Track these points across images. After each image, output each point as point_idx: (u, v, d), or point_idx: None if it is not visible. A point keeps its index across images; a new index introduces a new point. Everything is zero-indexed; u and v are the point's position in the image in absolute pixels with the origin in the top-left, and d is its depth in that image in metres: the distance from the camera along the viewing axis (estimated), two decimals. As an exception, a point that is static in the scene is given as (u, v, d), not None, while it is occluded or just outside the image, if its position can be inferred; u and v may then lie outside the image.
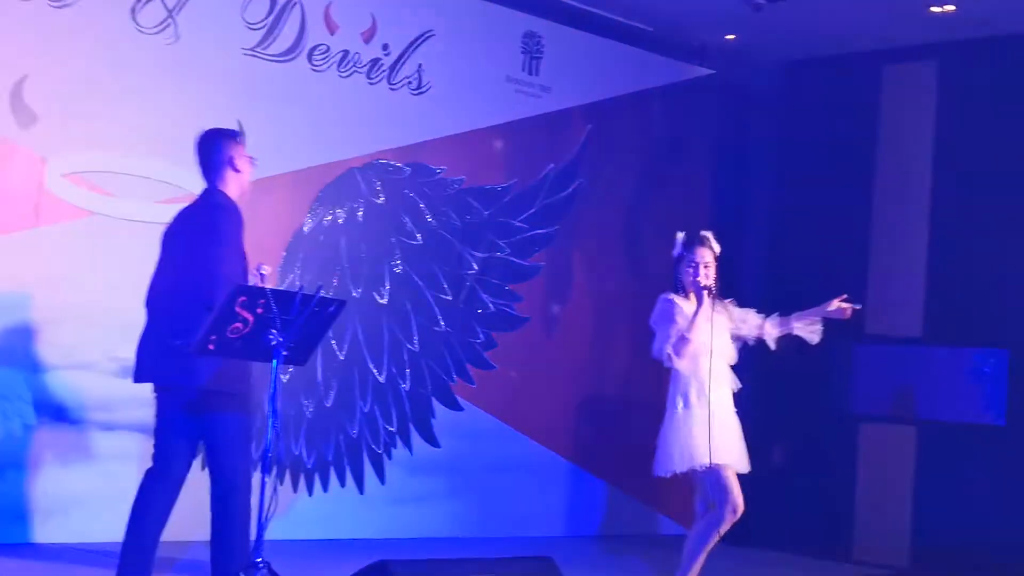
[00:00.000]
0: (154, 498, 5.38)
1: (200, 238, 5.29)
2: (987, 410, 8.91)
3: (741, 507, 6.13)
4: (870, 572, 8.86)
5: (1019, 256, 8.84)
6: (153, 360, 5.35)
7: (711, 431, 6.03)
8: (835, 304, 6.40)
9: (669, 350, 6.13)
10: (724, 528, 6.15)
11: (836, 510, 9.43)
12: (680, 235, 6.29)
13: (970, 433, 8.93)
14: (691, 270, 6.19)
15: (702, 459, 6.05)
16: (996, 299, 8.90)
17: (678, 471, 6.17)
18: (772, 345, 6.43)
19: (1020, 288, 8.82)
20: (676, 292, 6.27)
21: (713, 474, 6.08)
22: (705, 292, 6.12)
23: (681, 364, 6.13)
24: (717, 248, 6.28)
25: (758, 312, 6.46)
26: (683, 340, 6.09)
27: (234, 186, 5.49)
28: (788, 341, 6.48)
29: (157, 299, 5.46)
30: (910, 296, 9.31)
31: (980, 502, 8.78)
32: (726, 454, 6.09)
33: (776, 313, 6.46)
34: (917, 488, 9.16)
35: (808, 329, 6.45)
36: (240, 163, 5.48)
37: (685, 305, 6.18)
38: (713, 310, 6.18)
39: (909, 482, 9.19)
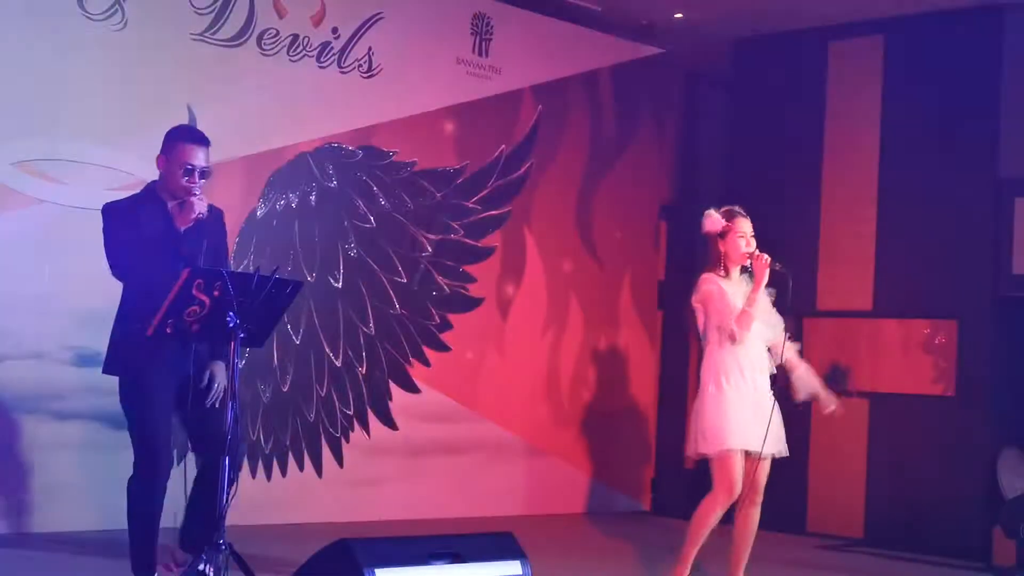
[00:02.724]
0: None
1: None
2: (937, 381, 9.03)
3: (736, 490, 6.05)
4: (825, 544, 8.97)
5: (966, 228, 8.95)
6: None
7: (729, 417, 5.97)
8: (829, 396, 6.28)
9: (734, 326, 5.96)
10: (719, 509, 6.08)
11: (790, 483, 9.51)
12: (714, 211, 6.16)
13: (921, 404, 9.05)
14: (742, 240, 6.14)
15: (723, 444, 5.98)
16: (944, 271, 9.01)
17: (706, 452, 6.05)
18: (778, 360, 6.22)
19: (967, 260, 8.93)
20: (713, 269, 6.14)
21: (725, 457, 6.02)
22: (765, 261, 6.01)
23: (741, 338, 5.98)
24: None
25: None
26: (746, 315, 5.96)
27: (161, 184, 5.48)
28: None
29: None
30: (860, 269, 9.41)
31: (932, 472, 8.90)
32: (750, 441, 5.99)
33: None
34: (870, 460, 9.27)
35: (802, 385, 6.27)
36: (161, 163, 5.44)
37: (726, 284, 6.12)
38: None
39: (862, 454, 9.30)
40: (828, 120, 9.71)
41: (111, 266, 5.36)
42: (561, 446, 9.72)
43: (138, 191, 5.57)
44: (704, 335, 6.18)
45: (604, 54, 10.01)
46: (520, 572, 4.82)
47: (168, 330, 4.59)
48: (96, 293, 7.29)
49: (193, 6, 7.78)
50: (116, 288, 7.29)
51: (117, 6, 7.45)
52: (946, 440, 8.89)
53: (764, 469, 6.15)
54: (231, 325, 4.67)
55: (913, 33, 9.30)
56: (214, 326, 4.66)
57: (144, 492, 5.30)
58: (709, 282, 6.10)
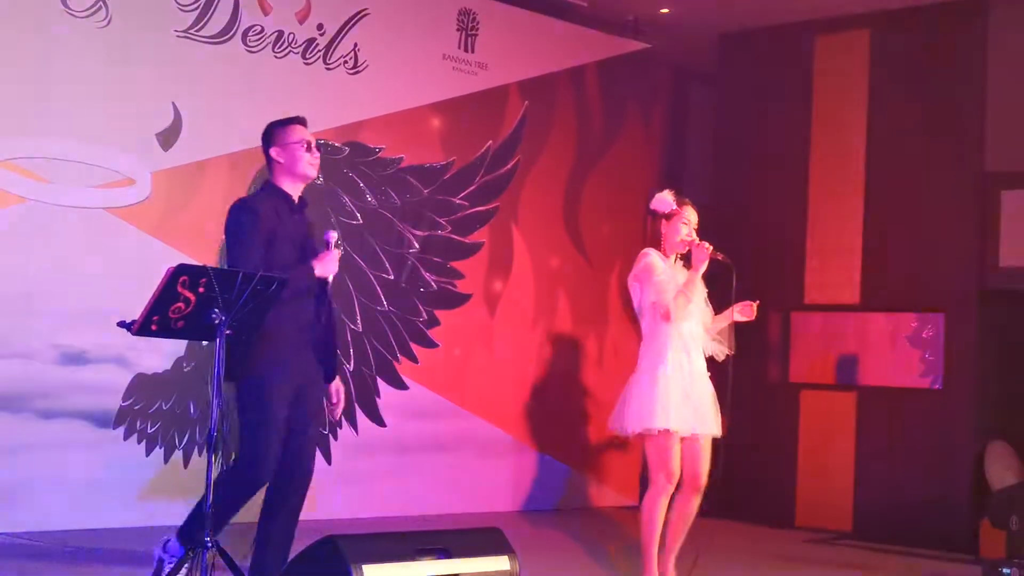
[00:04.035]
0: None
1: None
2: (925, 374, 9.04)
3: (676, 476, 6.08)
4: (813, 537, 8.99)
5: (952, 221, 8.97)
6: None
7: (669, 397, 5.99)
8: (739, 307, 6.29)
9: (670, 303, 5.97)
10: (663, 498, 6.08)
11: (778, 477, 9.54)
12: (669, 193, 6.21)
13: (909, 397, 9.07)
14: (685, 227, 6.16)
15: (656, 423, 6.00)
16: (931, 264, 9.03)
17: (634, 431, 6.07)
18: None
19: (954, 253, 8.95)
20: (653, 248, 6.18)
21: (659, 439, 6.05)
22: (706, 249, 6.05)
23: (674, 318, 6.00)
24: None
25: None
26: (682, 296, 6.00)
27: (283, 177, 5.41)
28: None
29: None
30: (847, 263, 9.42)
31: (920, 465, 8.92)
32: (685, 422, 6.02)
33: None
34: (858, 453, 9.28)
35: (715, 342, 6.32)
36: (278, 154, 5.39)
37: (663, 265, 6.12)
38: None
39: (850, 447, 9.32)
40: (815, 114, 9.72)
41: (236, 264, 5.18)
42: (549, 441, 9.72)
43: (258, 189, 5.52)
44: (640, 312, 6.18)
45: (590, 50, 10.00)
46: (508, 567, 4.82)
47: (153, 327, 4.57)
48: (81, 292, 7.32)
49: (177, 3, 7.76)
50: (101, 287, 7.33)
51: (100, 3, 7.41)
52: (934, 433, 8.91)
53: (705, 454, 6.13)
54: (216, 322, 4.66)
55: (899, 27, 9.32)
56: (199, 323, 4.65)
57: (234, 491, 5.19)
58: (649, 255, 6.11)
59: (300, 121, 5.48)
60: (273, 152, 5.40)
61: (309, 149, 5.39)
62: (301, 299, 5.22)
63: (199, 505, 5.17)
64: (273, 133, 5.43)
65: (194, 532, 5.11)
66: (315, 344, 5.32)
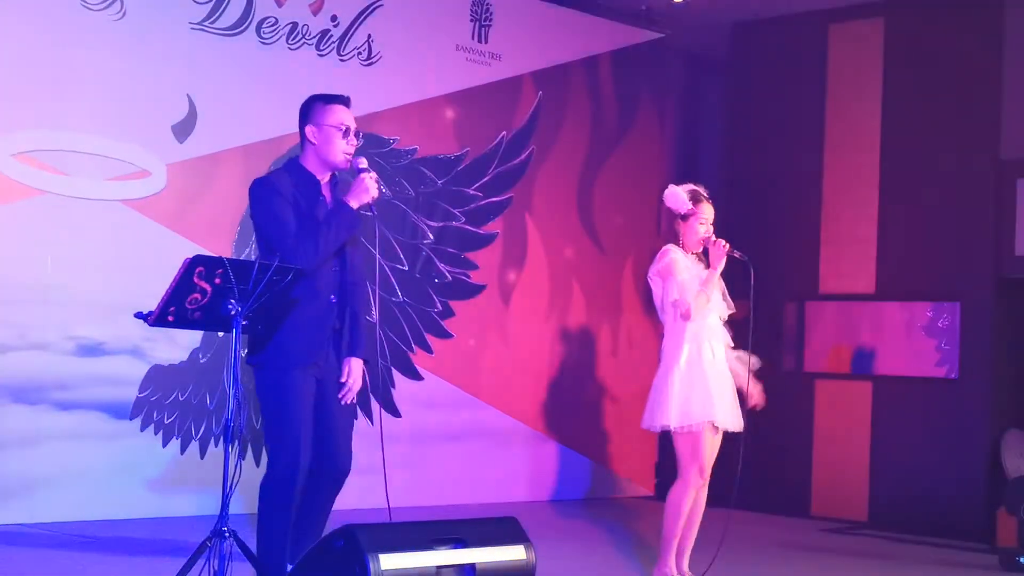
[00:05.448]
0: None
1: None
2: (941, 363, 9.02)
3: (708, 471, 6.06)
4: (829, 527, 8.98)
5: (968, 209, 8.94)
6: None
7: (703, 390, 5.98)
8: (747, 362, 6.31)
9: (691, 302, 5.95)
10: (691, 492, 6.07)
11: (794, 466, 9.54)
12: (683, 190, 6.13)
13: (925, 387, 9.05)
14: (702, 227, 6.13)
15: (687, 419, 5.99)
16: (946, 253, 9.00)
17: (665, 428, 6.07)
18: None
19: (969, 242, 8.92)
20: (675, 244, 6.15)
21: (690, 434, 6.06)
22: (723, 247, 6.05)
23: (694, 317, 5.99)
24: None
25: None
26: (702, 296, 5.97)
27: (312, 159, 5.06)
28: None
29: None
30: (862, 252, 9.40)
31: (935, 454, 8.90)
32: (714, 414, 6.02)
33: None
34: (874, 443, 9.27)
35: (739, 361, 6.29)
36: (312, 133, 5.03)
37: (685, 262, 6.10)
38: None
39: (866, 437, 9.30)
40: (829, 103, 9.69)
41: (280, 244, 4.92)
42: (564, 432, 9.72)
43: (279, 167, 5.18)
44: (661, 308, 6.15)
45: (603, 39, 9.99)
46: (524, 557, 4.82)
47: (170, 318, 4.58)
48: (97, 284, 7.35)
49: (191, -5, 7.78)
50: (117, 278, 7.35)
51: (115, -4, 7.44)
52: (949, 422, 8.89)
53: (717, 446, 6.13)
54: (232, 313, 4.66)
55: (913, 15, 9.28)
56: (215, 314, 4.66)
57: (278, 493, 4.97)
58: (672, 252, 6.07)
59: (343, 101, 5.08)
60: (308, 131, 5.02)
61: (346, 135, 5.01)
62: (317, 278, 4.97)
63: (260, 532, 5.02)
64: (312, 109, 5.05)
65: (269, 568, 4.94)
66: (336, 327, 5.07)
